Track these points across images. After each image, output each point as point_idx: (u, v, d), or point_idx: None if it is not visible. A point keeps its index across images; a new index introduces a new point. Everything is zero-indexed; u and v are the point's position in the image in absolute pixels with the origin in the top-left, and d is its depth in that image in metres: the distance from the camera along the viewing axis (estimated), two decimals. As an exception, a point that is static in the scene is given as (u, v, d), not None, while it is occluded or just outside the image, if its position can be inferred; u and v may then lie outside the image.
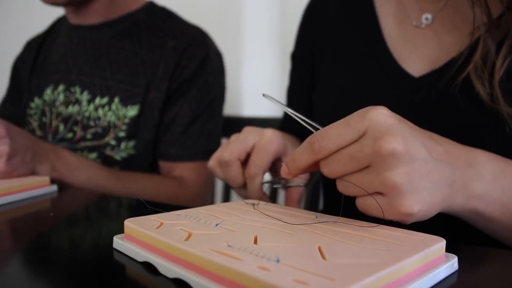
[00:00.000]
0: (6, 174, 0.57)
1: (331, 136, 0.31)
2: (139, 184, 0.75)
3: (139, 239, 0.31)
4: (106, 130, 0.79)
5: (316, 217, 0.35)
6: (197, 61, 0.81)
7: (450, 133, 0.39)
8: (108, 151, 0.79)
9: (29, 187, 0.54)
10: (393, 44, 0.53)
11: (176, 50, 0.80)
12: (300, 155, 0.33)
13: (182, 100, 0.80)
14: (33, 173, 0.62)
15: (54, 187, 0.58)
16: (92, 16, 0.85)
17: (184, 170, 0.81)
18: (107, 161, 0.79)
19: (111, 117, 0.78)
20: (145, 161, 0.81)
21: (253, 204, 0.40)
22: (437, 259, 0.27)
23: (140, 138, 0.79)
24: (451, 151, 0.36)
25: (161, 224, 0.32)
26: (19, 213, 0.49)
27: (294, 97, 0.69)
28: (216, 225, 0.32)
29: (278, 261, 0.24)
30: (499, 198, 0.37)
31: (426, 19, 0.51)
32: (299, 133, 0.61)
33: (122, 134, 0.78)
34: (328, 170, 0.32)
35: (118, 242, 0.32)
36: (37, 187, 0.56)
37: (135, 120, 0.78)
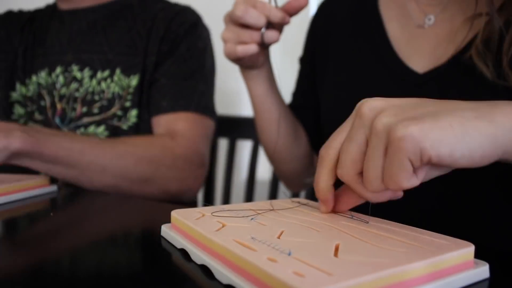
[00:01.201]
0: None
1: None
2: (129, 144, 0.72)
3: (180, 228, 0.34)
4: (111, 102, 0.80)
5: (351, 217, 0.35)
6: (186, 25, 0.83)
7: None
8: (116, 122, 0.80)
9: (29, 187, 0.54)
10: (397, 45, 0.57)
11: (165, 19, 0.83)
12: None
13: (172, 59, 0.82)
14: (6, 146, 0.55)
15: (54, 187, 0.57)
16: (86, 0, 0.88)
17: (177, 122, 0.78)
18: (114, 132, 0.80)
19: (114, 88, 0.80)
20: (151, 128, 0.81)
21: (298, 203, 0.42)
22: (461, 265, 0.26)
23: (143, 106, 0.80)
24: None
25: (202, 215, 0.35)
26: (18, 213, 0.49)
27: (301, 97, 0.73)
28: (251, 219, 0.34)
29: (289, 254, 0.25)
30: None
31: (429, 19, 0.55)
32: (308, 110, 0.70)
33: (128, 104, 0.80)
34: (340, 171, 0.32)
35: (164, 230, 0.36)
36: (37, 187, 0.55)
37: (139, 89, 0.80)
